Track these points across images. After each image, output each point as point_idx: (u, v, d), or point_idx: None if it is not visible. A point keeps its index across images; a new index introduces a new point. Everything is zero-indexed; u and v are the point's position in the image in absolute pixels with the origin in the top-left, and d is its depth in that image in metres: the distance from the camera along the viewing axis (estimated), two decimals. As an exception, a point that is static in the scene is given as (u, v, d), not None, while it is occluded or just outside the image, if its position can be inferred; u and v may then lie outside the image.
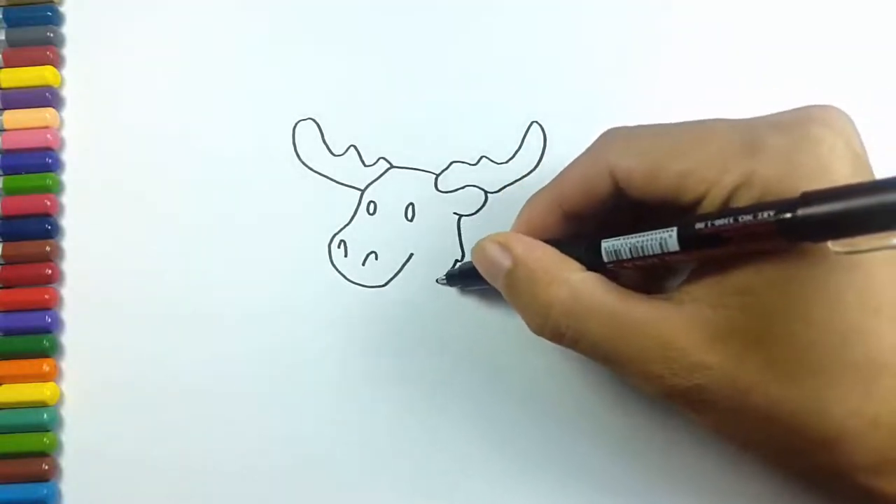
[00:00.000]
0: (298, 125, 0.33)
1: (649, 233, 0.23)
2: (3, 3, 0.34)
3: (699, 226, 0.21)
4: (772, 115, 0.23)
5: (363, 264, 0.32)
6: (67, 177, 0.34)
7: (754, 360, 0.21)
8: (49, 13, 0.34)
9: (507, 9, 0.34)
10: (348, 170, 0.33)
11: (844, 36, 0.33)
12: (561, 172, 0.26)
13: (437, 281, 0.32)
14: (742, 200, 0.21)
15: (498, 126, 0.33)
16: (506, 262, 0.25)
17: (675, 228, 0.22)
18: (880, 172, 0.21)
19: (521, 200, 0.32)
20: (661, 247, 0.22)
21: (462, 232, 0.32)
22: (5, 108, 0.34)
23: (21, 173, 0.33)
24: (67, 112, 0.34)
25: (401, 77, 0.33)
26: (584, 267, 0.25)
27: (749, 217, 0.20)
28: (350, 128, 0.33)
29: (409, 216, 0.32)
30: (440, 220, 0.32)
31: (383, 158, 0.33)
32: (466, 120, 0.33)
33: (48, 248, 0.32)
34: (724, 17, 0.33)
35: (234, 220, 0.33)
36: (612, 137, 0.25)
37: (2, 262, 0.33)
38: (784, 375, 0.21)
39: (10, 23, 0.34)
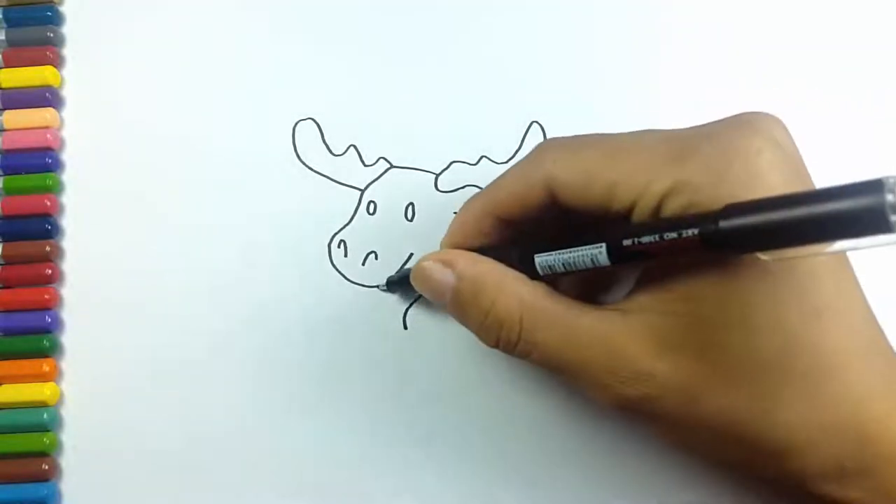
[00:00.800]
0: (298, 125, 0.33)
1: (580, 248, 0.23)
2: (3, 3, 0.34)
3: (626, 242, 0.21)
4: (705, 125, 0.23)
5: (363, 264, 0.32)
6: (67, 177, 0.34)
7: (700, 369, 0.21)
8: (49, 13, 0.34)
9: (507, 9, 0.34)
10: (348, 170, 0.33)
11: (838, 36, 0.33)
12: (495, 180, 0.26)
13: (378, 288, 0.31)
14: (670, 208, 0.21)
15: (498, 126, 0.33)
16: (449, 279, 0.25)
17: (603, 245, 0.22)
18: (859, 173, 0.21)
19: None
20: (593, 262, 0.22)
21: (462, 232, 0.32)
22: (5, 108, 0.34)
23: (21, 173, 0.33)
24: (67, 112, 0.34)
25: (401, 77, 0.33)
26: (528, 278, 0.24)
27: (673, 234, 0.20)
28: (350, 128, 0.33)
29: (409, 216, 0.32)
30: (440, 220, 0.32)
31: (383, 158, 0.33)
32: (466, 120, 0.33)
33: (48, 248, 0.32)
34: (725, 17, 0.33)
35: (234, 220, 0.33)
36: (547, 148, 0.25)
37: (2, 262, 0.33)
38: (730, 384, 0.21)
39: (10, 23, 0.34)
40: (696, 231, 0.19)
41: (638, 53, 0.33)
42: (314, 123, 0.33)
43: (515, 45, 0.33)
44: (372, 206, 0.33)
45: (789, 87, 0.33)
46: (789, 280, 0.20)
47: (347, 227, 0.32)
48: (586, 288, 0.28)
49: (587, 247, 0.22)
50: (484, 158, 0.33)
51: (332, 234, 0.32)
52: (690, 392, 0.21)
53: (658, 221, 0.21)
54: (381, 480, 0.31)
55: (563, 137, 0.25)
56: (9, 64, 0.34)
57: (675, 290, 0.22)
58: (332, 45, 0.34)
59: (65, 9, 0.35)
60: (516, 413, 0.31)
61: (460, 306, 0.25)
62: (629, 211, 0.22)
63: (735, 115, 0.23)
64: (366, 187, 0.33)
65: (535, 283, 0.24)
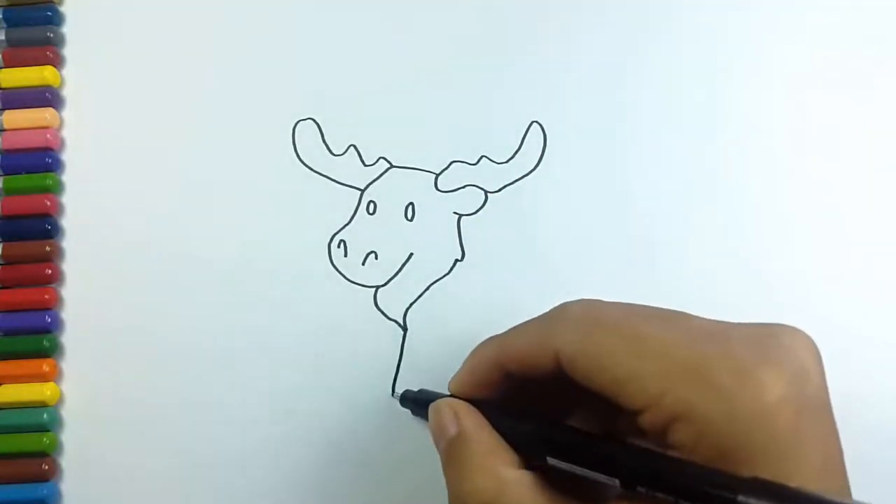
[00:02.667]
0: (298, 125, 0.33)
1: (596, 474, 0.22)
2: (3, 3, 0.34)
3: (641, 489, 0.21)
4: (729, 328, 0.22)
5: (363, 264, 0.32)
6: (67, 177, 0.34)
7: None
8: (49, 13, 0.34)
9: (508, 9, 0.34)
10: (348, 170, 0.33)
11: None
12: (511, 334, 0.25)
13: (391, 395, 0.31)
14: (680, 435, 0.20)
15: (498, 126, 0.33)
16: (452, 429, 0.25)
17: (618, 480, 0.21)
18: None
19: (521, 200, 0.32)
20: (604, 483, 0.22)
21: (462, 232, 0.32)
22: (5, 108, 0.34)
23: (21, 173, 0.33)
24: (67, 112, 0.34)
25: (401, 77, 0.33)
26: (519, 462, 0.24)
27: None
28: (350, 128, 0.33)
29: (409, 216, 0.32)
30: (440, 219, 0.32)
31: (383, 158, 0.33)
32: (466, 120, 0.33)
33: (48, 248, 0.32)
34: (725, 17, 0.33)
35: (233, 220, 0.33)
36: (566, 315, 0.24)
37: (2, 262, 0.33)
38: None
39: (10, 23, 0.34)
40: (714, 491, 0.19)
41: (638, 53, 0.33)
42: (314, 123, 0.33)
43: (515, 45, 0.33)
44: (372, 205, 0.33)
45: (792, 93, 0.33)
46: None
47: (347, 227, 0.32)
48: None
49: (602, 475, 0.22)
50: (484, 158, 0.33)
51: (332, 234, 0.32)
52: None
53: (676, 473, 0.20)
54: (379, 479, 0.31)
55: (582, 306, 0.24)
56: (9, 64, 0.34)
57: None
58: (333, 45, 0.34)
59: (65, 9, 0.35)
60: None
61: (448, 458, 0.25)
62: (636, 413, 0.21)
63: (762, 327, 0.21)
64: (366, 187, 0.33)
65: (525, 473, 0.23)
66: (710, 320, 0.22)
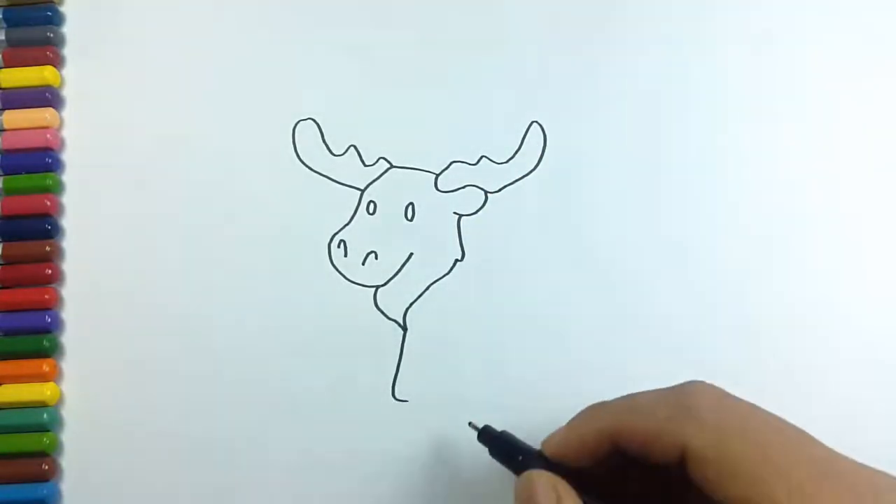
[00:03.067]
0: (298, 125, 0.33)
1: None
2: (3, 4, 0.34)
3: None
4: (842, 476, 0.22)
5: (363, 264, 0.32)
6: (67, 177, 0.34)
7: None
8: (49, 13, 0.34)
9: (508, 9, 0.34)
10: (348, 170, 0.33)
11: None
12: (629, 406, 0.25)
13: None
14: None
15: (498, 126, 0.33)
16: None
17: None
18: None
19: (521, 200, 0.32)
20: None
21: (462, 232, 0.32)
22: (5, 108, 0.34)
23: (21, 173, 0.33)
24: (67, 112, 0.34)
25: (401, 77, 0.33)
26: None
27: None
28: (350, 128, 0.33)
29: (409, 216, 0.32)
30: (440, 220, 0.32)
31: (383, 158, 0.33)
32: (466, 120, 0.33)
33: (48, 248, 0.32)
34: (725, 18, 0.33)
35: (234, 220, 0.33)
36: (696, 410, 0.23)
37: (2, 262, 0.33)
38: None
39: (10, 23, 0.34)
40: None
41: (638, 53, 0.33)
42: (314, 123, 0.33)
43: (515, 45, 0.33)
44: (372, 206, 0.33)
45: (800, 98, 0.33)
46: None
47: (347, 227, 0.32)
48: None
49: None
50: (484, 158, 0.33)
51: (332, 234, 0.32)
52: None
53: None
54: (377, 477, 0.31)
55: (716, 400, 0.23)
56: (9, 64, 0.34)
57: None
58: (333, 46, 0.34)
59: (65, 9, 0.35)
60: (519, 410, 0.31)
61: None
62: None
63: (872, 476, 0.22)
64: (366, 187, 0.33)
65: None
66: (829, 451, 0.22)
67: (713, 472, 0.22)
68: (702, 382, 0.24)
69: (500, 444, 0.28)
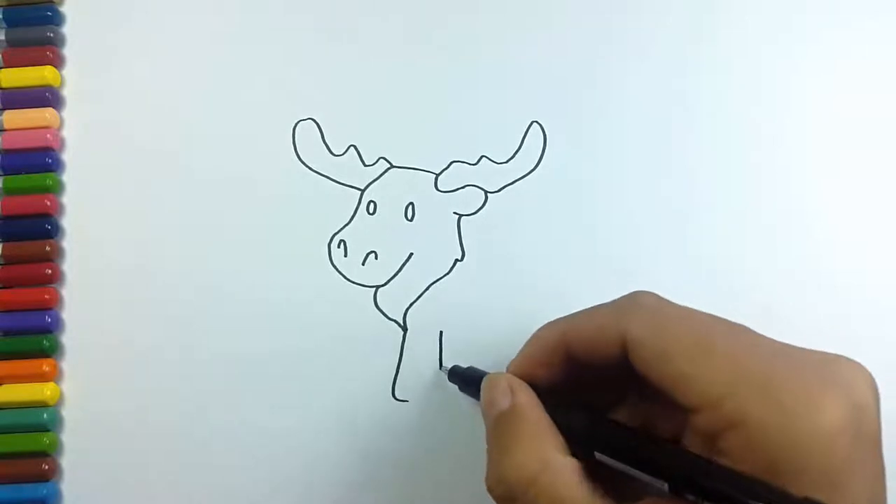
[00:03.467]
0: (298, 125, 0.33)
1: (643, 475, 0.22)
2: (3, 4, 0.34)
3: (690, 497, 0.21)
4: (792, 350, 0.22)
5: (363, 264, 0.32)
6: (67, 177, 0.34)
7: None
8: (49, 13, 0.34)
9: (508, 9, 0.34)
10: (348, 170, 0.33)
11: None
12: (578, 314, 0.25)
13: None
14: (731, 440, 0.21)
15: (498, 126, 0.33)
16: (505, 402, 0.25)
17: (666, 485, 0.21)
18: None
19: (521, 200, 0.32)
20: (654, 487, 0.22)
21: (462, 232, 0.32)
22: (5, 108, 0.34)
23: (21, 173, 0.33)
24: (67, 112, 0.34)
25: (401, 77, 0.33)
26: (567, 450, 0.24)
27: None
28: (350, 128, 0.33)
29: (409, 216, 0.32)
30: (440, 219, 0.32)
31: (383, 158, 0.33)
32: (466, 120, 0.33)
33: (48, 248, 0.32)
34: (724, 19, 0.33)
35: (234, 220, 0.33)
36: (638, 304, 0.24)
37: (2, 262, 0.33)
38: None
39: (10, 23, 0.34)
40: None
41: (638, 53, 0.33)
42: (314, 123, 0.33)
43: (516, 45, 0.33)
44: (372, 205, 0.33)
45: (798, 93, 0.33)
46: None
47: (347, 227, 0.32)
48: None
49: (649, 477, 0.22)
50: (484, 158, 0.33)
51: (332, 234, 0.32)
52: None
53: (727, 484, 0.20)
54: (374, 476, 0.31)
55: (654, 299, 0.24)
56: (9, 64, 0.34)
57: None
58: (333, 45, 0.34)
59: (65, 9, 0.35)
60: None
61: (496, 433, 0.25)
62: (691, 410, 0.22)
63: (825, 355, 0.22)
64: (366, 187, 0.33)
65: (572, 461, 0.23)
66: (772, 339, 0.22)
67: (649, 352, 0.22)
68: (644, 291, 0.24)
69: (467, 377, 0.29)
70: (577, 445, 0.24)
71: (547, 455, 0.23)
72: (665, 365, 0.22)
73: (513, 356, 0.26)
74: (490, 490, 0.24)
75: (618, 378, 0.24)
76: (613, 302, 0.25)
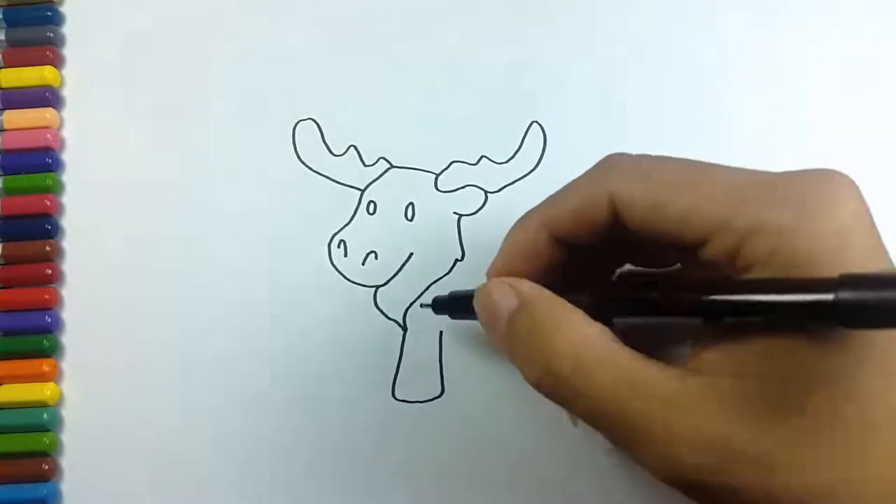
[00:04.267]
0: (298, 125, 0.33)
1: (674, 319, 0.21)
2: (3, 4, 0.34)
3: (729, 320, 0.20)
4: (783, 172, 0.21)
5: (363, 264, 0.32)
6: (67, 177, 0.34)
7: (780, 436, 0.19)
8: (49, 13, 0.34)
9: (508, 9, 0.34)
10: (348, 170, 0.33)
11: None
12: (554, 194, 0.24)
13: (420, 306, 0.31)
14: (752, 252, 0.20)
15: (498, 126, 0.33)
16: (512, 302, 0.23)
17: (699, 319, 0.20)
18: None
19: (521, 200, 0.32)
20: (680, 328, 0.21)
21: (462, 232, 0.32)
22: (5, 108, 0.34)
23: (21, 173, 0.33)
24: (67, 112, 0.34)
25: (401, 77, 0.33)
26: (591, 318, 0.22)
27: (781, 318, 0.19)
28: (350, 128, 0.33)
29: (409, 216, 0.32)
30: (440, 219, 0.32)
31: (383, 158, 0.33)
32: (466, 120, 0.33)
33: (48, 248, 0.32)
34: (723, 19, 0.33)
35: (234, 220, 0.33)
36: (615, 162, 0.23)
37: (2, 262, 0.33)
38: (811, 452, 0.19)
39: (10, 23, 0.34)
40: (805, 316, 0.18)
41: (638, 53, 0.33)
42: (314, 123, 0.33)
43: (515, 45, 0.33)
44: (372, 205, 0.33)
45: (799, 95, 0.33)
46: (872, 341, 0.19)
47: (347, 227, 0.32)
48: (656, 334, 0.25)
49: (682, 319, 0.21)
50: (484, 158, 0.33)
51: (332, 234, 0.32)
52: (768, 461, 0.19)
53: (761, 293, 0.19)
54: (374, 477, 0.31)
55: (629, 154, 0.23)
56: (9, 64, 0.34)
57: (751, 349, 0.20)
58: (333, 45, 0.34)
59: (65, 9, 0.35)
60: (518, 412, 0.31)
61: (514, 334, 0.23)
62: (702, 243, 0.21)
63: (813, 169, 0.21)
64: (366, 187, 0.33)
65: (600, 325, 0.22)
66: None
67: (641, 203, 0.21)
68: (617, 152, 0.23)
69: (455, 301, 0.28)
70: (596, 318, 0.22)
71: (583, 329, 0.21)
72: (662, 211, 0.21)
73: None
74: (538, 387, 0.22)
75: (607, 254, 0.23)
76: (587, 171, 0.23)
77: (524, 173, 0.33)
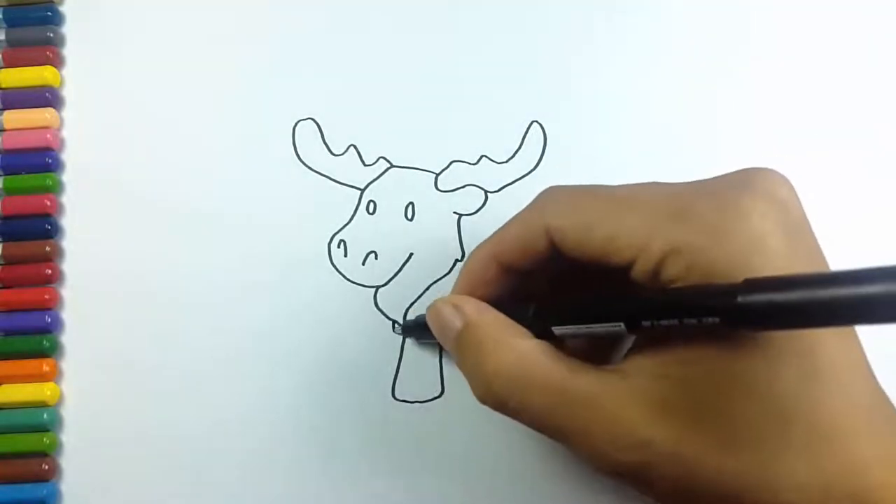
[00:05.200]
0: (298, 125, 0.33)
1: (600, 325, 0.22)
2: (3, 4, 0.34)
3: (645, 323, 0.21)
4: (706, 181, 0.23)
5: (363, 264, 0.32)
6: (67, 177, 0.34)
7: (699, 436, 0.21)
8: (49, 13, 0.34)
9: (508, 8, 0.34)
10: (348, 169, 0.33)
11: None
12: (500, 228, 0.26)
13: (393, 330, 0.31)
14: (671, 270, 0.21)
15: (498, 126, 0.33)
16: (457, 323, 0.25)
17: (622, 324, 0.22)
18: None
19: (521, 200, 0.32)
20: (610, 334, 0.22)
21: (462, 232, 0.32)
22: (5, 108, 0.34)
23: (21, 173, 0.33)
24: (67, 112, 0.34)
25: (401, 77, 0.33)
26: (531, 334, 0.24)
27: (693, 321, 0.20)
28: (350, 128, 0.33)
29: (409, 216, 0.32)
30: (440, 219, 0.32)
31: (383, 158, 0.33)
32: (466, 120, 0.33)
33: (48, 248, 0.32)
34: (722, 18, 0.33)
35: (234, 220, 0.33)
36: (550, 196, 0.25)
37: (2, 262, 0.33)
38: (728, 450, 0.20)
39: (10, 23, 0.34)
40: (716, 319, 0.19)
41: (638, 53, 0.33)
42: (314, 123, 0.33)
43: (515, 45, 0.33)
44: (372, 205, 0.33)
45: (792, 96, 0.33)
46: (788, 341, 0.20)
47: (347, 227, 0.32)
48: (594, 342, 0.28)
49: (606, 325, 0.22)
50: (484, 158, 0.33)
51: (332, 233, 0.32)
52: (688, 459, 0.21)
53: (673, 298, 0.21)
54: (379, 479, 0.31)
55: (564, 186, 0.25)
56: (9, 64, 0.34)
57: (673, 353, 0.22)
58: (333, 45, 0.34)
59: (65, 9, 0.35)
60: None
61: (461, 352, 0.25)
62: (628, 265, 0.22)
63: (739, 171, 0.22)
64: (366, 187, 0.33)
65: (538, 341, 0.24)
66: (686, 181, 0.23)
67: (572, 231, 0.23)
68: (554, 185, 0.25)
69: (419, 324, 0.29)
70: (535, 332, 0.24)
71: (519, 346, 0.23)
72: (590, 236, 0.23)
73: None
74: (483, 402, 0.24)
75: (555, 276, 0.25)
76: (528, 205, 0.25)
77: (524, 173, 0.33)
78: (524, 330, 0.24)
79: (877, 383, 0.21)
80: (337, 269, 0.32)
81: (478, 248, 0.27)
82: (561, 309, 0.24)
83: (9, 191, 0.33)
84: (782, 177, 0.22)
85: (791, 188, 0.22)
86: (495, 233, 0.26)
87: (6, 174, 0.33)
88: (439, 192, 0.33)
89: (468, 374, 0.25)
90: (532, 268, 0.25)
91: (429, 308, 0.27)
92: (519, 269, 0.26)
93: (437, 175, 0.33)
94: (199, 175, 0.33)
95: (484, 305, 0.25)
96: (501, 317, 0.25)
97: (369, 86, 0.33)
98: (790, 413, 0.20)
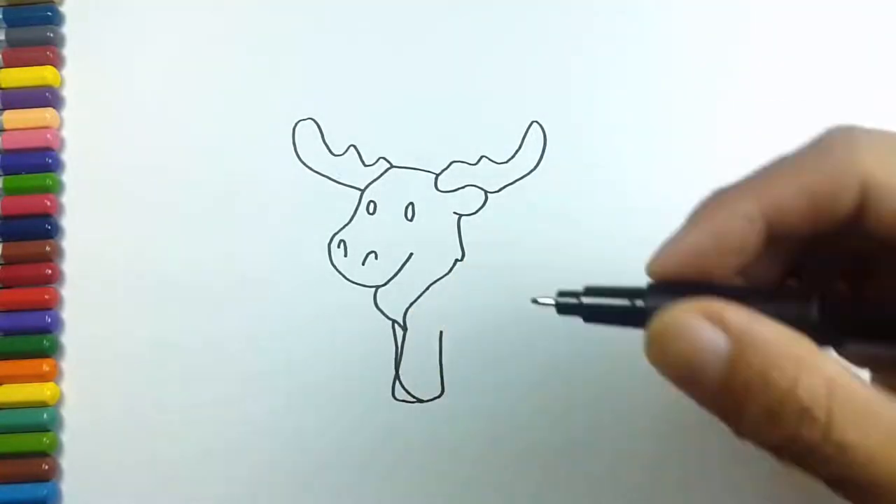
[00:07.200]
0: (298, 125, 0.33)
1: None
2: (3, 4, 0.34)
3: None
4: None
5: (363, 264, 0.32)
6: (67, 177, 0.34)
7: None
8: (49, 13, 0.34)
9: (508, 8, 0.34)
10: (348, 170, 0.33)
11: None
12: (765, 170, 0.18)
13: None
14: None
15: (498, 126, 0.33)
16: (722, 344, 0.16)
17: None
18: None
19: (521, 200, 0.32)
20: None
21: (462, 232, 0.32)
22: (5, 108, 0.34)
23: (21, 173, 0.33)
24: (67, 112, 0.34)
25: (401, 77, 0.33)
26: (818, 347, 0.16)
27: None
28: (350, 128, 0.33)
29: (409, 216, 0.32)
30: (440, 219, 0.32)
31: (383, 158, 0.33)
32: (466, 120, 0.33)
33: (48, 248, 0.32)
34: (722, 18, 0.33)
35: (234, 220, 0.33)
36: (858, 136, 0.17)
37: (2, 262, 0.33)
38: None
39: (10, 23, 0.34)
40: None
41: (638, 53, 0.33)
42: (314, 123, 0.33)
43: (515, 45, 0.33)
44: (372, 205, 0.33)
45: (792, 82, 0.33)
46: None
47: (347, 227, 0.32)
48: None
49: None
50: (484, 158, 0.33)
51: (332, 234, 0.32)
52: None
53: None
54: (374, 477, 0.31)
55: (876, 129, 0.17)
56: (9, 64, 0.34)
57: None
58: (332, 45, 0.34)
59: (65, 9, 0.35)
60: (518, 411, 0.31)
61: (740, 385, 0.16)
62: None
63: None
64: (366, 187, 0.33)
65: (839, 358, 0.17)
66: None
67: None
68: (845, 125, 0.18)
69: (594, 302, 0.20)
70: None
71: (824, 369, 0.16)
72: None
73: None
74: (779, 456, 0.17)
75: (837, 263, 0.18)
76: (813, 145, 0.17)
77: (524, 173, 0.33)
78: (809, 341, 0.16)
79: None
80: (337, 269, 0.32)
81: (727, 193, 0.18)
82: (875, 314, 0.17)
83: (9, 191, 0.33)
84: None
85: None
86: (756, 174, 0.18)
87: (6, 174, 0.33)
88: (439, 193, 0.33)
89: (750, 413, 0.16)
90: (807, 238, 0.18)
91: (661, 321, 0.17)
92: (795, 239, 0.18)
93: (437, 175, 0.33)
94: (199, 175, 0.33)
95: (752, 314, 0.17)
96: (783, 328, 0.16)
97: (369, 86, 0.33)
98: None
